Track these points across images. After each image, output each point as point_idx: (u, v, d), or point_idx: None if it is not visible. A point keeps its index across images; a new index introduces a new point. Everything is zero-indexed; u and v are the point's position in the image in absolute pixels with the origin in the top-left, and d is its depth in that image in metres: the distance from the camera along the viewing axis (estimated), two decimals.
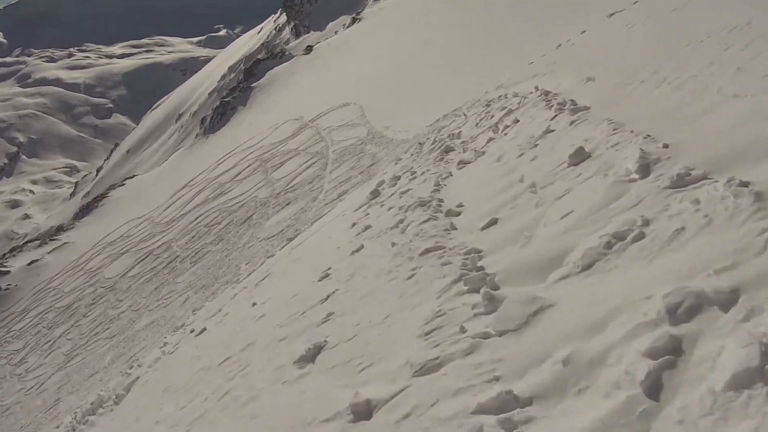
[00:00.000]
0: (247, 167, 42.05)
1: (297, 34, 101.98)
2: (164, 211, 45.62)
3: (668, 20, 11.77)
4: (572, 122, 7.72)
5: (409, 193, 9.90)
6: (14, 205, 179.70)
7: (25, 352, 36.54)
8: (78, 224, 59.56)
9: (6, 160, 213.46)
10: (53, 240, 56.70)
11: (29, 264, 51.62)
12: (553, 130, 8.06)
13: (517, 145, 8.56)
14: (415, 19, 61.90)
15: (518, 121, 10.59)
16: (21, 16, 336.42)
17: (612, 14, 19.10)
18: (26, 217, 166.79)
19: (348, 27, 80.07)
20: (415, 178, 11.47)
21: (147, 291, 32.17)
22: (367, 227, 9.34)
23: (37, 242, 59.60)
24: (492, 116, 13.13)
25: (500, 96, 15.80)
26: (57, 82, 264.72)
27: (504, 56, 35.95)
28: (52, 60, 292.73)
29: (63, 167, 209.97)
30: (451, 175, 9.95)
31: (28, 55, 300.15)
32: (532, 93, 12.28)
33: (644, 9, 15.37)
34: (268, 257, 16.46)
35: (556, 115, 8.62)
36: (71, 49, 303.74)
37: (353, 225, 10.42)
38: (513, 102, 12.96)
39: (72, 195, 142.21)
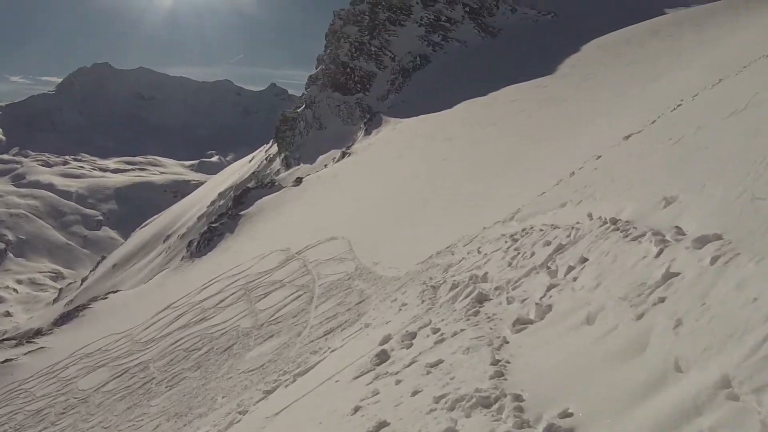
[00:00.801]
0: (231, 295, 42.61)
1: (287, 165, 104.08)
2: (145, 329, 45.65)
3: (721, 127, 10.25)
4: (714, 259, 5.04)
5: (448, 373, 6.74)
6: None
7: None
8: (57, 330, 59.09)
9: None
10: (30, 342, 56.24)
11: (2, 362, 50.92)
12: (677, 274, 5.45)
13: (619, 298, 5.95)
14: (402, 155, 64.17)
15: (586, 259, 8.06)
16: (22, 116, 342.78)
17: (629, 136, 19.46)
18: (7, 314, 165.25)
19: (338, 161, 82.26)
20: (443, 339, 8.33)
21: (119, 409, 31.91)
22: (383, 425, 6.15)
23: (14, 342, 59.02)
24: (533, 254, 10.76)
25: (527, 229, 13.81)
26: (50, 187, 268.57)
27: (501, 186, 37.66)
28: (47, 165, 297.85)
29: (49, 271, 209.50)
30: (507, 342, 7.00)
31: (25, 156, 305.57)
32: (581, 222, 10.28)
33: (668, 126, 15.45)
34: (239, 412, 14.64)
35: (661, 250, 6.24)
36: (67, 157, 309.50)
37: (355, 410, 7.13)
38: (558, 235, 10.65)
39: (55, 300, 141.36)
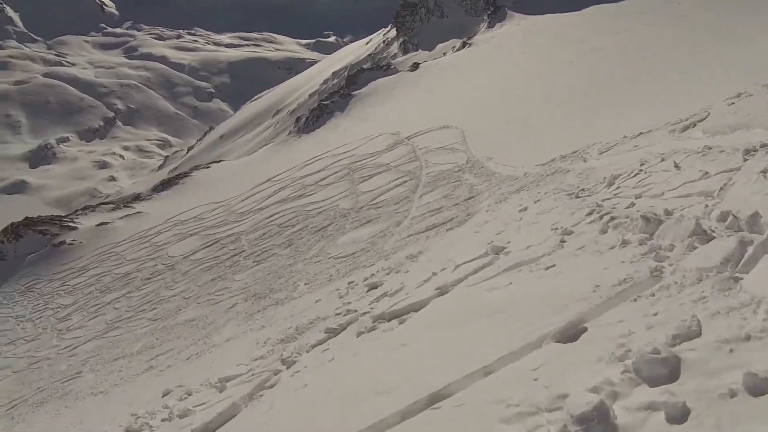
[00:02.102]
0: (334, 174, 40.92)
1: (405, 50, 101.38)
2: (242, 201, 44.86)
3: None
4: None
5: None
6: (102, 165, 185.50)
7: (71, 309, 36.16)
8: (155, 197, 59.42)
9: (101, 123, 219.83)
10: (128, 206, 56.72)
11: (98, 225, 51.75)
12: None
13: None
14: (526, 51, 60.65)
15: None
16: None
17: None
18: (112, 179, 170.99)
19: (457, 50, 78.91)
20: None
21: (203, 280, 31.08)
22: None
23: (111, 206, 59.60)
24: None
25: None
26: (162, 59, 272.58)
27: (631, 97, 34.29)
28: (160, 38, 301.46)
29: (156, 139, 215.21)
30: None
31: (138, 30, 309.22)
32: None
33: None
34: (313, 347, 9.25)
35: None
36: (180, 31, 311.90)
37: None
38: None
39: (160, 167, 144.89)
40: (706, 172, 7.88)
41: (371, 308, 9.56)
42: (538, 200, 13.35)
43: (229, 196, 47.63)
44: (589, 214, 8.31)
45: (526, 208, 12.77)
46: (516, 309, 5.44)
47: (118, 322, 30.67)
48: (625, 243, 6.14)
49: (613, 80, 41.03)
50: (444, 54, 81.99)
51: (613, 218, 7.34)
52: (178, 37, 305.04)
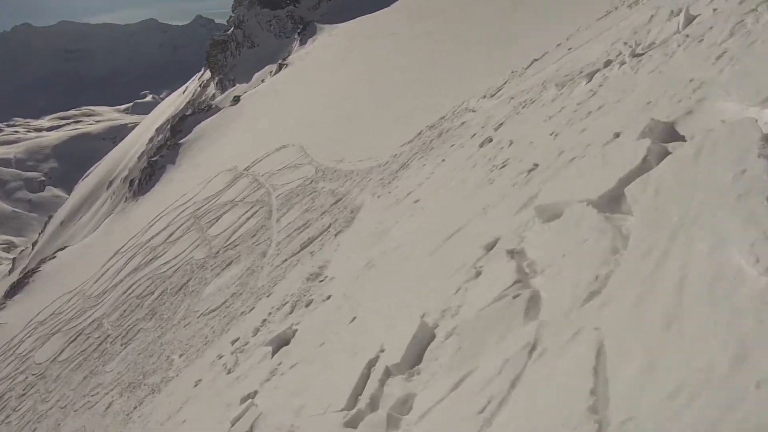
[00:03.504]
0: (180, 227, 38.55)
1: (223, 88, 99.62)
2: (95, 282, 41.88)
3: None
4: None
5: None
6: None
7: None
8: (9, 303, 55.23)
9: None
10: None
11: None
12: None
13: None
14: (344, 57, 60.36)
15: None
16: None
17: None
18: None
19: (275, 74, 77.71)
20: None
21: (75, 381, 28.19)
22: None
23: None
24: None
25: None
26: None
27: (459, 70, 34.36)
28: None
29: (0, 243, 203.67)
30: None
31: None
32: None
33: None
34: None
35: None
36: (0, 125, 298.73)
37: None
38: None
39: (10, 271, 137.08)
40: None
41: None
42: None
43: (81, 281, 44.51)
44: None
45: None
46: None
47: None
48: None
49: (433, 59, 40.95)
50: (262, 81, 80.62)
51: None
52: None
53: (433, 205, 10.18)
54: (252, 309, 16.00)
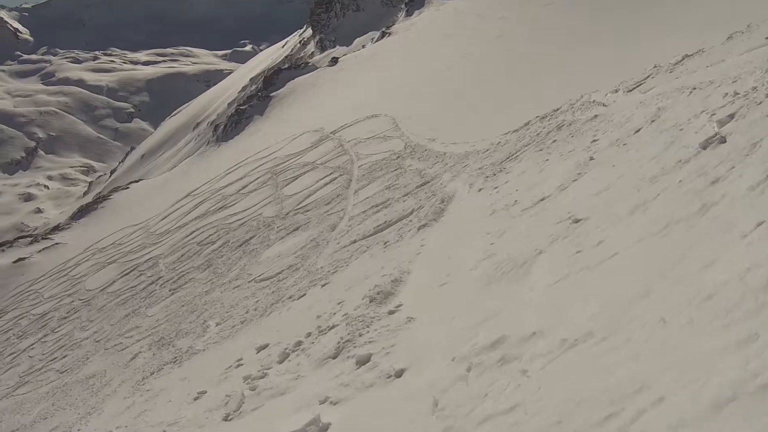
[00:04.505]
0: (256, 180, 37.32)
1: (322, 48, 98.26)
2: (161, 220, 41.23)
3: None
4: None
5: None
6: (27, 198, 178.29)
7: None
8: (74, 225, 55.47)
9: (23, 154, 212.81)
10: (45, 238, 52.60)
11: (15, 262, 47.78)
12: None
13: None
14: (450, 33, 58.20)
15: None
16: (48, 17, 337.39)
17: None
18: (38, 211, 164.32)
19: (377, 41, 76.05)
20: None
21: (117, 317, 27.33)
22: None
23: (29, 239, 55.38)
24: None
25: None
26: (80, 83, 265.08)
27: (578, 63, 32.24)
28: (76, 61, 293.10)
29: (80, 166, 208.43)
30: None
31: (53, 55, 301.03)
32: None
33: None
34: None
35: None
36: (96, 52, 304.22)
37: None
38: None
39: (85, 194, 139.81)
40: None
41: None
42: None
43: (148, 217, 44.07)
44: None
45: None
46: None
47: (30, 374, 27.00)
48: None
49: (546, 48, 38.74)
50: (363, 46, 79.05)
51: None
52: (95, 58, 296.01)
53: (621, 235, 6.35)
54: (302, 296, 14.49)
